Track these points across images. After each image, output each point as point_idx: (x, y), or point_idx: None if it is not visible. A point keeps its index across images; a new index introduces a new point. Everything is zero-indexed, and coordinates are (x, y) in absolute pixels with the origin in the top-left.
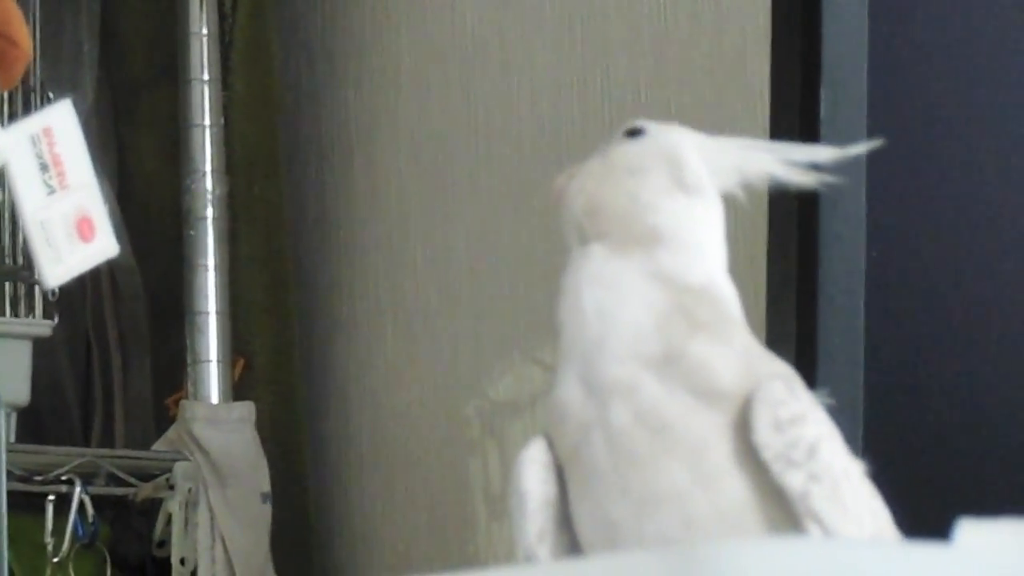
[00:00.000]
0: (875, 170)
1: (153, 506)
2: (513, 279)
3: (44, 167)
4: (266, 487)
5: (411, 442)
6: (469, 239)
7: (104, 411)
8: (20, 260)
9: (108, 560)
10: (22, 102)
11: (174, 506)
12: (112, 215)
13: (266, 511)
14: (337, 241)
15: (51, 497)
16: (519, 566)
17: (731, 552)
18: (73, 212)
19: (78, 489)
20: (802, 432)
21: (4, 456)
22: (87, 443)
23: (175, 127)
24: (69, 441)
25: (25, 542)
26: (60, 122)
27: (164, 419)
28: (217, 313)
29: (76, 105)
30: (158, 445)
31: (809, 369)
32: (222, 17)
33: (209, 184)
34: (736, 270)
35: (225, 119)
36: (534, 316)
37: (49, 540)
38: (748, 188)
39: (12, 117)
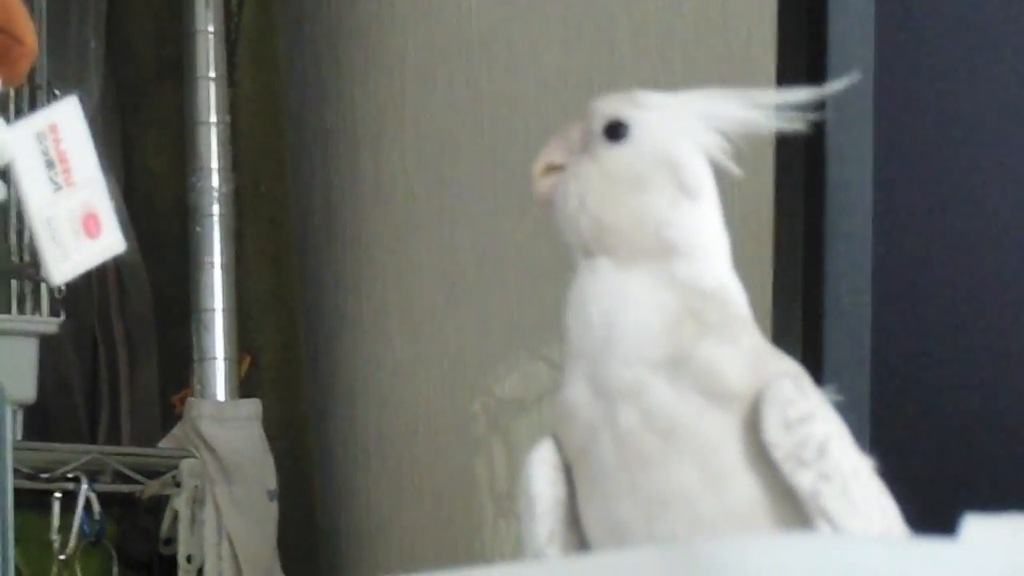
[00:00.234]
0: (882, 168)
1: (159, 503)
2: (519, 277)
3: (50, 164)
4: (272, 484)
5: (417, 439)
6: (475, 236)
7: (110, 408)
8: (26, 257)
9: (114, 557)
10: (28, 99)
11: (180, 503)
12: (118, 212)
13: (272, 508)
14: (343, 238)
15: (57, 494)
16: (526, 562)
17: (737, 549)
18: (79, 209)
19: (84, 486)
20: (811, 431)
21: (11, 453)
22: (93, 440)
23: (181, 124)
24: (75, 438)
25: (31, 539)
26: (66, 119)
27: (170, 416)
28: (223, 310)
29: (82, 102)
30: (164, 442)
31: (816, 366)
32: (228, 15)
33: (215, 181)
34: (743, 268)
35: (231, 116)
36: (540, 314)
37: (55, 537)
38: (731, 138)
39: (18, 114)
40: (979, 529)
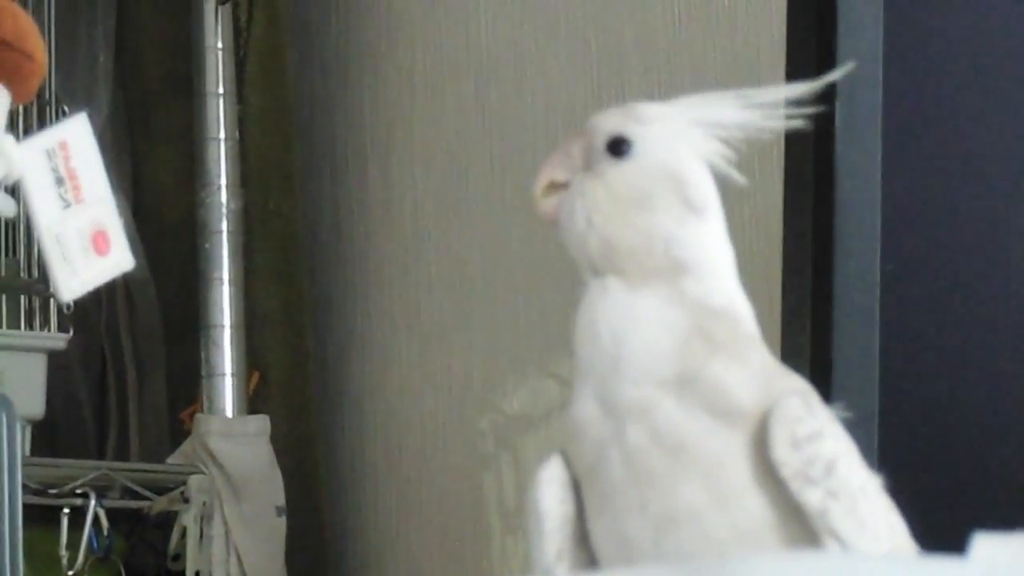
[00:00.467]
0: (890, 183)
1: (168, 519)
2: (527, 293)
3: (60, 181)
4: (281, 500)
5: (425, 455)
6: (483, 252)
7: (119, 424)
8: (35, 274)
9: (123, 573)
10: (37, 115)
11: (189, 519)
12: (127, 228)
13: (281, 524)
14: (352, 254)
15: (66, 510)
16: None
17: (746, 567)
18: (89, 226)
19: (93, 502)
20: (820, 449)
21: (20, 469)
22: (102, 456)
23: (190, 140)
24: (84, 454)
25: (40, 555)
26: (76, 136)
27: (179, 432)
28: (232, 326)
29: (91, 118)
30: (173, 458)
31: (824, 383)
32: (237, 31)
33: (224, 197)
34: (751, 285)
35: (240, 132)
36: (548, 330)
37: (64, 553)
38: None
39: (27, 131)
40: (989, 548)
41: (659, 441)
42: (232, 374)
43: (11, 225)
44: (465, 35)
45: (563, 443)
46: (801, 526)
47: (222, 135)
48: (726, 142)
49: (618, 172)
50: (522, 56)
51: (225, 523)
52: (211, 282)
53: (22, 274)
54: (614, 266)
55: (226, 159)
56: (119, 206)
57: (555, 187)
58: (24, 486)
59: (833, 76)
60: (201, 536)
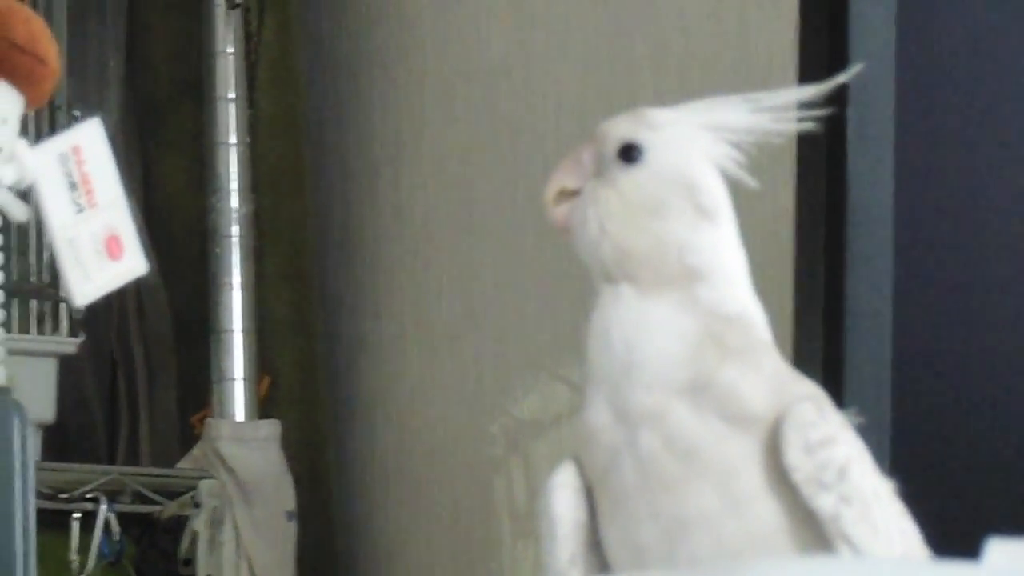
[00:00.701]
0: (903, 190)
1: (178, 524)
2: (538, 298)
3: (73, 186)
4: (291, 505)
5: (436, 460)
6: (494, 257)
7: (129, 429)
8: (46, 278)
9: None
10: (48, 120)
11: (200, 524)
12: (137, 233)
13: (291, 529)
14: (362, 259)
15: (77, 515)
16: None
17: (760, 572)
18: (102, 230)
19: (103, 507)
20: (832, 454)
21: (32, 474)
22: (112, 461)
23: (200, 145)
24: (94, 459)
25: (51, 560)
26: (89, 141)
27: (189, 437)
28: (242, 331)
29: (101, 123)
30: (183, 463)
31: (836, 389)
32: (247, 36)
33: (234, 202)
34: (762, 290)
35: (250, 137)
36: (559, 335)
37: (75, 558)
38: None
39: (38, 136)
40: (1002, 552)
41: (671, 447)
42: (243, 378)
43: (22, 230)
44: (475, 41)
45: (576, 449)
46: (814, 531)
47: (232, 140)
48: (737, 146)
49: (630, 179)
50: (532, 61)
51: (236, 528)
52: (221, 287)
53: (33, 279)
54: (627, 273)
55: (237, 164)
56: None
57: (566, 194)
58: (35, 491)
59: (843, 78)
60: (212, 541)
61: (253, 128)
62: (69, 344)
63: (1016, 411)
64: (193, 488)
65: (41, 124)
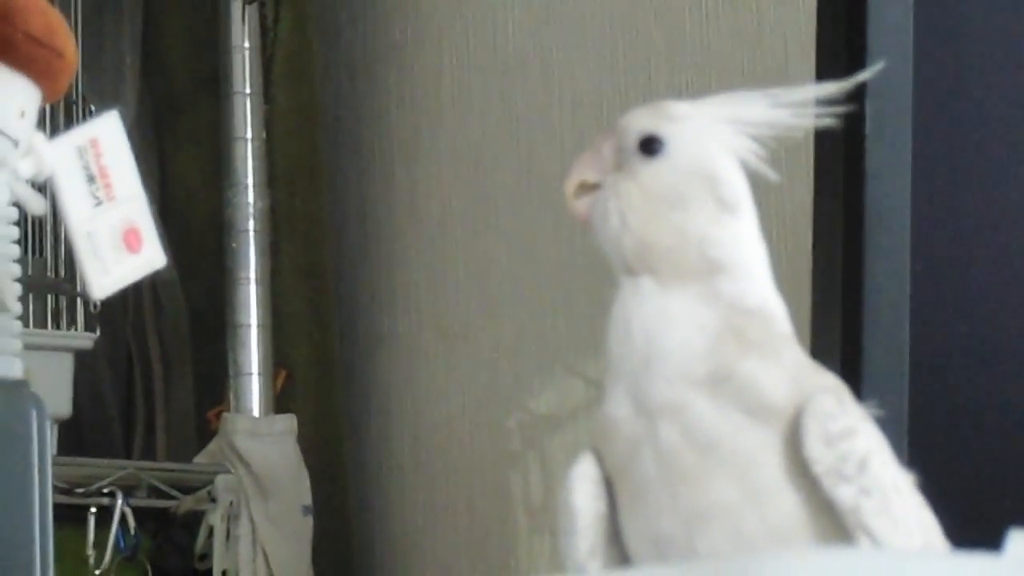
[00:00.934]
0: (920, 183)
1: (195, 519)
2: (554, 292)
3: (91, 178)
4: (307, 500)
5: (452, 454)
6: (510, 252)
7: (145, 423)
8: (62, 273)
9: (150, 573)
10: (64, 114)
11: (216, 519)
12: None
13: (307, 524)
14: (378, 254)
15: (93, 509)
16: None
17: (779, 564)
18: (120, 223)
19: (120, 501)
20: (852, 445)
21: (50, 468)
22: (128, 455)
23: (217, 140)
24: (111, 453)
25: (67, 555)
26: (107, 133)
27: (206, 432)
28: (259, 326)
29: None
30: (200, 458)
31: (854, 382)
32: (264, 31)
33: (251, 197)
34: (780, 284)
35: (267, 132)
36: (576, 329)
37: (91, 552)
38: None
39: (54, 130)
40: None
41: (692, 439)
42: (259, 373)
43: (38, 224)
44: (492, 35)
45: (595, 441)
46: (834, 523)
47: (249, 135)
48: (757, 140)
49: (651, 171)
50: (549, 55)
51: (252, 522)
52: (238, 281)
53: (49, 273)
54: (648, 266)
55: (253, 158)
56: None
57: (586, 187)
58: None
59: (864, 75)
60: (228, 535)
61: (269, 123)
62: (85, 339)
63: None
64: (209, 483)
65: (57, 119)
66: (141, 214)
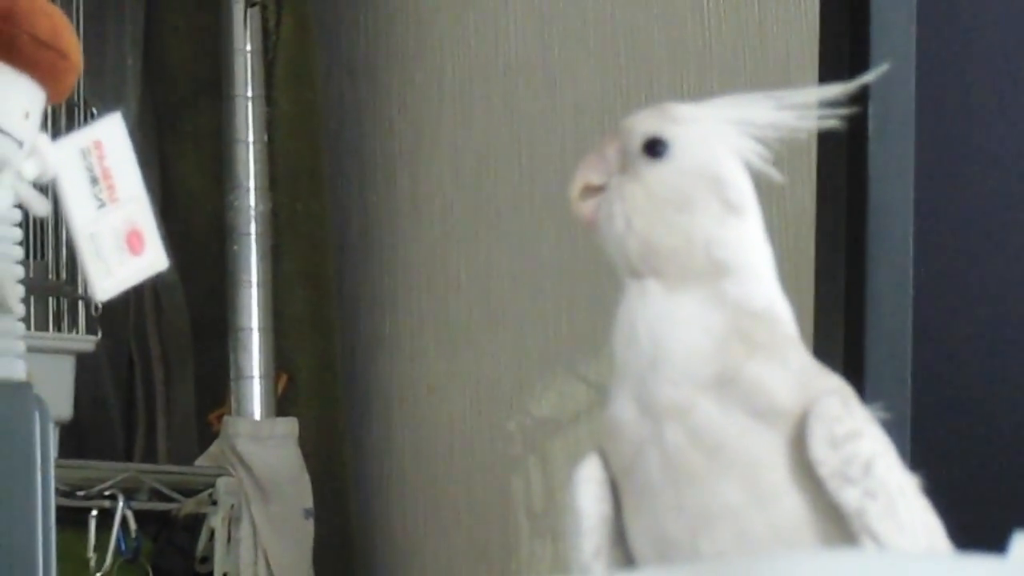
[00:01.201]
0: (923, 185)
1: (196, 521)
2: (556, 296)
3: (94, 180)
4: (309, 503)
5: (453, 458)
6: (512, 256)
7: (147, 426)
8: (63, 275)
9: (150, 575)
10: (66, 117)
11: (217, 522)
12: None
13: (308, 527)
14: (380, 257)
15: (94, 512)
16: None
17: (785, 566)
18: (123, 225)
19: (121, 504)
20: (858, 448)
21: (52, 470)
22: (130, 458)
23: (218, 143)
24: (112, 456)
25: (68, 557)
26: (110, 135)
27: (207, 435)
28: (260, 329)
29: None
30: (201, 461)
31: (857, 385)
32: (265, 34)
33: (252, 200)
34: (783, 285)
35: (268, 135)
36: (577, 333)
37: (92, 555)
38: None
39: (56, 132)
40: None
41: (697, 441)
42: (260, 376)
43: (39, 226)
44: (494, 39)
45: (600, 442)
46: (838, 526)
47: (250, 138)
48: (761, 142)
49: (656, 173)
50: (551, 60)
51: (253, 525)
52: (239, 284)
53: (50, 276)
54: (654, 268)
55: (254, 162)
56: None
57: (590, 190)
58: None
59: (867, 78)
60: (229, 538)
61: (271, 126)
62: (87, 342)
63: None
64: (210, 486)
65: (58, 121)
66: (144, 216)
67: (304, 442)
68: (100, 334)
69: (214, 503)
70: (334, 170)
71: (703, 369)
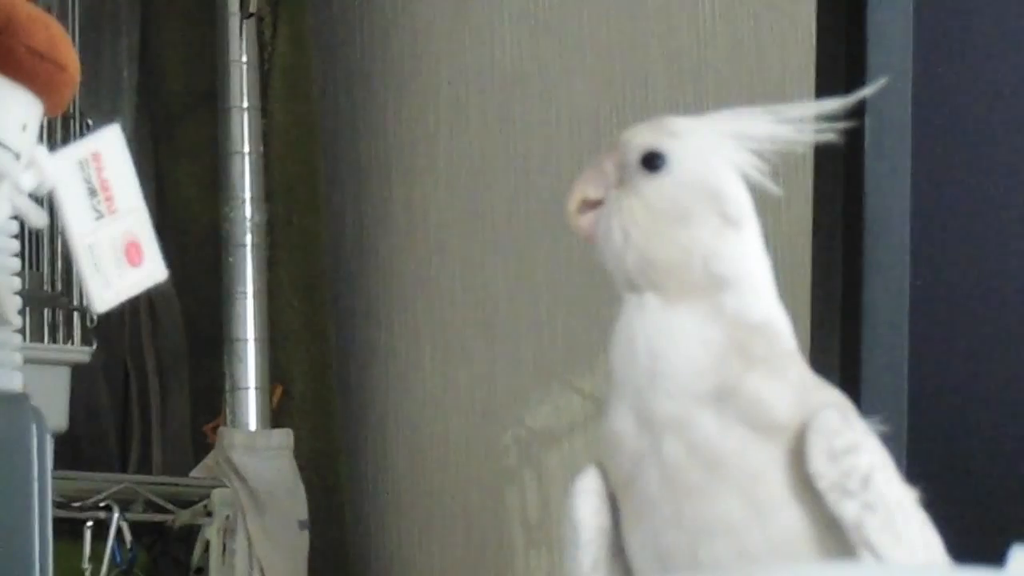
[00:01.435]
0: (919, 198)
1: (191, 533)
2: (551, 307)
3: (92, 192)
4: (304, 514)
5: (448, 469)
6: (507, 267)
7: (142, 438)
8: (59, 287)
9: None
10: (61, 129)
11: (212, 533)
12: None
13: (304, 538)
14: (375, 269)
15: (89, 523)
16: None
17: None
18: (122, 237)
19: (116, 515)
20: (856, 461)
21: (49, 482)
22: (125, 469)
23: (214, 154)
24: (107, 467)
25: (63, 568)
26: (109, 147)
27: (202, 446)
28: (255, 340)
29: None
30: (196, 472)
31: (853, 397)
32: (261, 45)
33: (248, 212)
34: (779, 298)
35: (264, 146)
36: (572, 345)
37: (87, 566)
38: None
39: (52, 144)
40: None
41: (696, 454)
42: (255, 388)
43: (35, 238)
44: (489, 51)
45: (599, 455)
46: (837, 538)
47: (246, 149)
48: (759, 155)
49: (654, 187)
50: (546, 72)
51: (248, 537)
52: (235, 296)
53: (46, 287)
54: (652, 282)
55: (250, 173)
56: None
57: (588, 204)
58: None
59: (865, 92)
60: (224, 550)
61: (267, 137)
62: (82, 353)
63: None
64: (205, 497)
65: (54, 133)
66: (142, 227)
67: (299, 453)
68: (95, 345)
69: (209, 514)
70: (330, 182)
71: (702, 383)
